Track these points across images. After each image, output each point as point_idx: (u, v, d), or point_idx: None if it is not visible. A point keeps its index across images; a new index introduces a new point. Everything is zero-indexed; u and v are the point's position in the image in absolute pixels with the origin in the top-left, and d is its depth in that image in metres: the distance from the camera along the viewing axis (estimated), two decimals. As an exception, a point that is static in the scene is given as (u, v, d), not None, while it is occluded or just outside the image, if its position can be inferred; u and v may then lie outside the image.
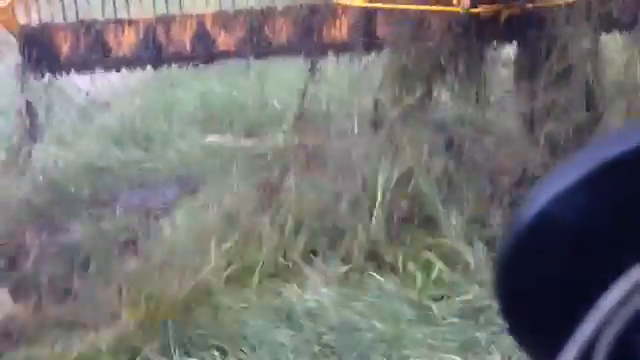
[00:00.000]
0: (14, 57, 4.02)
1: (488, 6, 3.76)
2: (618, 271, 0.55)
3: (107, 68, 4.01)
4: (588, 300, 0.55)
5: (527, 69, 4.07)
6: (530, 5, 3.79)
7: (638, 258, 0.56)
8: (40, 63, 3.93)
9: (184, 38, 3.99)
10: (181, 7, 4.01)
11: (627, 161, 0.55)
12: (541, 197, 0.58)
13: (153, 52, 3.97)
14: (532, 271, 0.60)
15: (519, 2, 3.81)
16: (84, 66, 3.98)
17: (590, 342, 0.54)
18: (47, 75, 3.99)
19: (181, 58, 4.06)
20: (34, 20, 3.88)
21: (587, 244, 0.58)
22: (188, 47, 4.01)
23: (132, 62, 4.00)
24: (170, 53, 4.01)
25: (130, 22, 3.95)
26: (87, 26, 3.92)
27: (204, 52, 4.03)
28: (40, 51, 3.89)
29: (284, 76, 4.84)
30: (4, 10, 3.70)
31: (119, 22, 3.96)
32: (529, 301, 0.62)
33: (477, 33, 3.95)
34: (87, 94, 5.02)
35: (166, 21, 3.97)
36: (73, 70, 3.99)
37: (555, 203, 0.57)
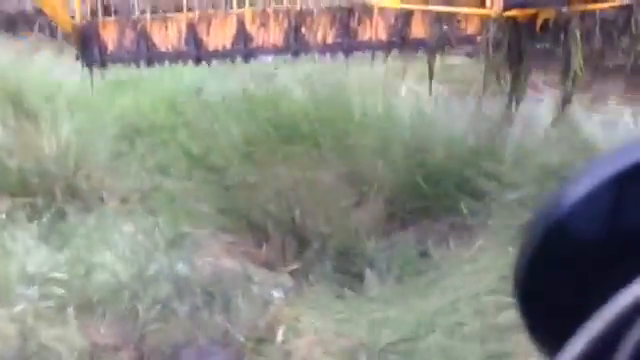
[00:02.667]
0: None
1: (521, 10, 3.73)
2: (637, 273, 0.55)
3: (150, 62, 4.18)
4: (603, 301, 0.55)
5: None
6: (565, 9, 3.74)
7: None
8: (91, 56, 4.13)
9: (224, 35, 4.13)
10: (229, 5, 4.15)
11: None
12: (562, 201, 0.58)
13: (194, 48, 4.12)
14: (551, 271, 0.61)
15: (554, 6, 3.77)
16: (129, 59, 4.16)
17: (596, 339, 0.54)
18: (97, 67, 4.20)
19: (221, 54, 4.19)
20: (85, 17, 4.08)
21: (607, 246, 0.59)
22: (228, 44, 4.14)
23: (174, 57, 4.16)
24: (210, 49, 4.15)
25: (173, 19, 4.11)
26: (133, 22, 4.10)
27: (243, 49, 4.16)
28: (90, 45, 4.10)
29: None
30: (54, 7, 3.91)
31: (163, 19, 4.12)
32: (546, 300, 0.62)
33: (514, 36, 3.93)
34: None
35: (207, 18, 4.11)
36: (119, 63, 4.18)
37: (577, 206, 0.58)
